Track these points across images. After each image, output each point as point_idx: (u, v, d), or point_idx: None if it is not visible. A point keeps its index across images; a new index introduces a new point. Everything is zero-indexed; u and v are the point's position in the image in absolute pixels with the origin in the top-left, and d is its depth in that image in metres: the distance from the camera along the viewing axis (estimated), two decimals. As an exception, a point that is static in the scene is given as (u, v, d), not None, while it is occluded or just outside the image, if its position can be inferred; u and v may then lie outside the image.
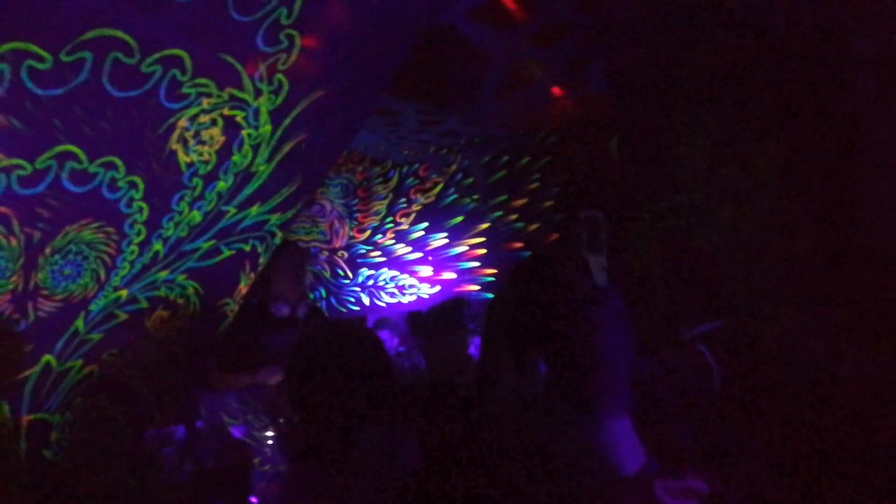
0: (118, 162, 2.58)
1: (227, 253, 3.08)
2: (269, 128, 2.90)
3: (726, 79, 4.02)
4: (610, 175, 5.29)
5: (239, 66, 2.71)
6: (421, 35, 3.23)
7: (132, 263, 2.77)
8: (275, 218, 3.17)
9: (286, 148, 3.00)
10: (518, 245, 6.71)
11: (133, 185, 2.65)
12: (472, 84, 4.43)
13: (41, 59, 2.22)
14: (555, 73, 4.37)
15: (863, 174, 4.28)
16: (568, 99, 5.20)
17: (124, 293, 2.80)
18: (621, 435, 1.16)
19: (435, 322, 6.71)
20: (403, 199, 6.78)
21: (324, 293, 7.30)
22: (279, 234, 3.28)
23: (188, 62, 2.57)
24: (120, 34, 2.37)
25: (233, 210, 2.99)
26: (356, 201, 6.94)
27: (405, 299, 7.10)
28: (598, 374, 1.15)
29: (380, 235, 6.97)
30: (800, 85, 4.00)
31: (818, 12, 4.14)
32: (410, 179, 6.71)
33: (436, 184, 6.66)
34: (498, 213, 6.59)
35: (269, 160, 2.98)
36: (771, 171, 4.32)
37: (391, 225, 6.91)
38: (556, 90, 4.88)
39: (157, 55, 2.48)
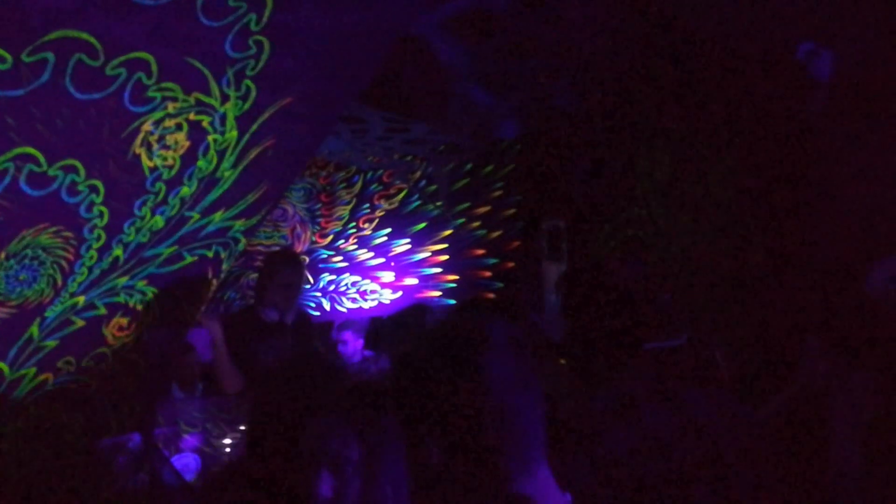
0: (79, 165, 2.52)
1: (189, 259, 3.04)
2: (235, 133, 2.88)
3: (684, 97, 4.15)
4: (571, 185, 5.39)
5: (206, 71, 2.68)
6: (393, 45, 3.25)
7: (91, 269, 2.71)
8: (239, 224, 3.14)
9: (252, 154, 2.98)
10: (480, 252, 6.77)
11: (94, 189, 2.60)
12: (439, 95, 4.47)
13: (2, 60, 2.16)
14: (520, 88, 4.43)
15: (812, 188, 4.47)
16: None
17: (82, 299, 2.74)
18: (540, 488, 1.09)
19: (396, 327, 6.72)
20: (367, 205, 6.77)
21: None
22: (243, 241, 3.25)
23: (154, 66, 2.53)
24: (84, 36, 2.32)
25: (196, 216, 2.95)
26: (319, 206, 6.90)
27: (366, 305, 7.09)
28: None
29: (342, 240, 6.95)
30: (754, 104, 4.15)
31: (773, 34, 4.31)
32: (374, 185, 6.71)
33: (400, 190, 6.67)
34: (461, 220, 6.64)
35: (234, 166, 2.95)
36: (725, 185, 4.47)
37: (354, 230, 6.90)
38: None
39: (122, 58, 2.44)
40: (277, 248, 6.93)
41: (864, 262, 3.92)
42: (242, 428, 4.15)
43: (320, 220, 6.97)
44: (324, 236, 6.98)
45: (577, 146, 5.24)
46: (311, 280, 7.14)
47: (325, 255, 7.02)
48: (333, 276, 7.08)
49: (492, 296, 6.71)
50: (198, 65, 2.65)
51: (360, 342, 6.47)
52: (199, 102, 2.71)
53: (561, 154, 5.62)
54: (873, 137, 4.35)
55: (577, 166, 5.32)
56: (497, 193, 6.60)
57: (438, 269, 6.77)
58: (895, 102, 4.23)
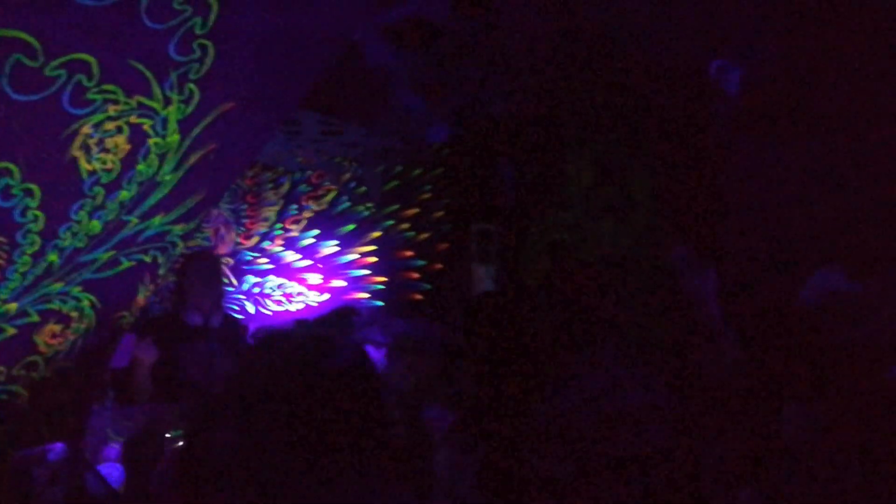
0: (14, 168, 2.43)
1: (126, 264, 2.96)
2: (177, 137, 2.84)
3: (607, 106, 4.41)
4: (501, 189, 5.58)
5: (149, 74, 2.64)
6: (339, 50, 3.29)
7: (24, 275, 2.61)
8: (178, 228, 3.09)
9: (193, 158, 2.95)
10: (409, 253, 6.85)
11: (29, 192, 2.50)
12: (375, 99, 4.53)
13: (-64, 59, 2.06)
14: (453, 93, 4.56)
15: (723, 192, 4.84)
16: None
17: (14, 306, 2.63)
18: None
19: (325, 330, 6.69)
20: (295, 206, 6.71)
21: (207, 300, 7.04)
22: (181, 245, 3.20)
23: (95, 67, 2.47)
24: (23, 35, 2.24)
25: (135, 220, 2.88)
26: (244, 207, 6.77)
27: (292, 307, 7.02)
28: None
29: (268, 242, 6.84)
30: (669, 113, 4.46)
31: (687, 47, 4.64)
32: (303, 186, 6.66)
33: (329, 191, 6.65)
34: (390, 222, 6.70)
35: (175, 170, 2.91)
36: (644, 189, 4.77)
37: (280, 231, 6.81)
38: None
39: (62, 59, 2.37)
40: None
41: (765, 263, 4.30)
42: (168, 436, 4.06)
43: (245, 221, 6.84)
44: (249, 238, 6.86)
45: (505, 151, 5.43)
46: (235, 282, 7.00)
47: (249, 257, 6.89)
48: (258, 279, 6.97)
49: (418, 297, 6.83)
50: (140, 67, 2.60)
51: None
52: (140, 105, 2.66)
53: (489, 158, 5.80)
54: (776, 147, 4.76)
55: (505, 171, 5.51)
56: (426, 196, 6.71)
57: (367, 271, 6.81)
58: (798, 114, 4.64)
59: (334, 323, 6.46)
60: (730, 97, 4.93)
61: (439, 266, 6.73)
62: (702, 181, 4.78)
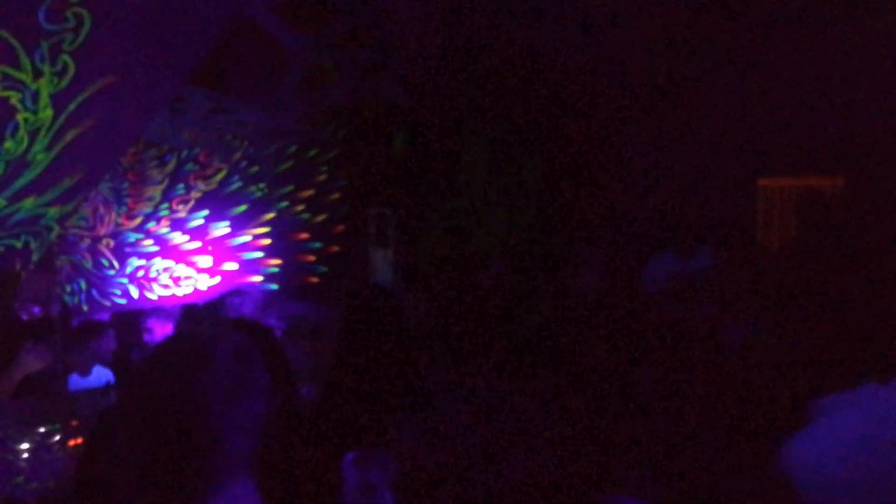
0: None
1: (-8, 249, 2.73)
2: (49, 112, 2.63)
3: (502, 98, 4.50)
4: (396, 173, 5.58)
5: (16, 43, 2.42)
6: (226, 26, 3.15)
7: None
8: (52, 211, 2.88)
9: (69, 135, 2.74)
10: (304, 235, 6.73)
11: None
12: (269, 77, 4.38)
13: None
14: (350, 76, 4.50)
15: (607, 181, 5.09)
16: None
17: None
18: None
19: (213, 315, 6.47)
20: (181, 185, 6.39)
21: (83, 285, 6.60)
22: (56, 229, 2.98)
23: (-48, 33, 2.24)
24: None
25: (3, 202, 2.66)
26: (126, 185, 6.37)
27: (180, 291, 6.71)
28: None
29: (153, 223, 6.49)
30: (559, 107, 4.63)
31: (577, 48, 4.81)
32: (190, 164, 6.35)
33: (218, 170, 6.39)
34: (284, 203, 6.53)
35: (48, 148, 2.70)
36: (536, 179, 4.93)
37: (167, 212, 6.48)
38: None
39: (-88, 22, 2.13)
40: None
41: (640, 251, 4.59)
42: (42, 430, 3.83)
43: (127, 200, 6.44)
44: (131, 218, 6.47)
45: (400, 136, 5.43)
46: (116, 265, 6.60)
47: (133, 239, 6.51)
48: (143, 262, 6.61)
49: (314, 280, 6.73)
50: (6, 35, 2.38)
51: (169, 328, 6.13)
52: (6, 77, 2.44)
53: (387, 141, 5.78)
54: (658, 139, 5.06)
55: (402, 156, 5.52)
56: (322, 177, 6.59)
57: (261, 253, 6.62)
58: (679, 111, 4.95)
59: (206, 318, 6.24)
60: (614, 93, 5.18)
61: (336, 249, 6.66)
62: (588, 170, 5.01)
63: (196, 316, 6.36)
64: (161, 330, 6.21)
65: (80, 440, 4.07)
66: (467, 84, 4.50)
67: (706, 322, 3.05)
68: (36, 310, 3.27)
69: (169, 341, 1.34)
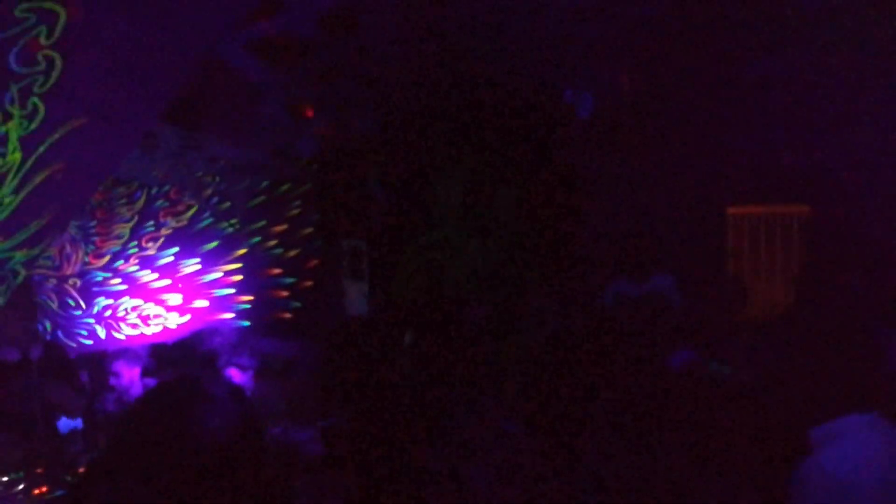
0: None
1: (-45, 295, 2.65)
2: (18, 155, 2.59)
3: (475, 130, 4.56)
4: (371, 206, 5.58)
5: (-16, 86, 2.39)
6: (196, 63, 3.15)
7: None
8: (19, 255, 2.81)
9: (38, 178, 2.70)
10: (277, 271, 6.66)
11: None
12: (240, 113, 4.38)
13: None
14: (325, 112, 4.52)
15: (578, 208, 5.16)
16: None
17: None
18: None
19: (185, 353, 6.34)
20: (151, 222, 6.30)
21: (48, 326, 6.43)
22: (23, 273, 2.91)
23: (-82, 78, 2.20)
24: None
25: (-32, 247, 2.59)
26: (94, 223, 6.26)
27: (149, 330, 6.58)
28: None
29: (122, 261, 6.37)
30: (530, 139, 4.71)
31: (544, 80, 4.92)
32: (160, 201, 6.27)
33: (189, 207, 6.32)
34: (256, 239, 6.48)
35: (16, 191, 2.64)
36: (509, 209, 4.98)
37: (136, 250, 6.37)
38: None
39: None
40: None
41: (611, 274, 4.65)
42: (5, 479, 3.71)
43: (95, 238, 6.32)
44: (99, 256, 6.35)
45: (374, 170, 5.45)
46: (84, 305, 6.45)
47: (100, 278, 6.38)
48: (110, 301, 6.47)
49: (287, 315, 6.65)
50: (-26, 79, 2.35)
51: (137, 371, 5.99)
52: (-26, 120, 2.40)
53: (358, 176, 5.79)
54: (624, 167, 5.16)
55: (376, 188, 5.53)
56: (295, 212, 6.56)
57: (232, 290, 6.54)
58: (639, 136, 5.07)
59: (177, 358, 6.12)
60: (582, 120, 5.29)
61: (309, 283, 6.60)
62: (560, 198, 5.08)
63: (166, 356, 6.25)
64: (129, 373, 6.07)
65: (44, 489, 3.93)
66: (441, 116, 4.55)
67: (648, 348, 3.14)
68: (14, 354, 3.19)
69: (164, 385, 1.34)
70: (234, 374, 6.00)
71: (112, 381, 6.01)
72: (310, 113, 5.13)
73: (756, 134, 4.62)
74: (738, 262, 5.18)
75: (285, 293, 6.61)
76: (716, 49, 4.68)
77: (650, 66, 4.96)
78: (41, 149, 2.62)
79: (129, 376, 5.99)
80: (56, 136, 2.66)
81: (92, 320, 6.51)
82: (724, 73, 4.61)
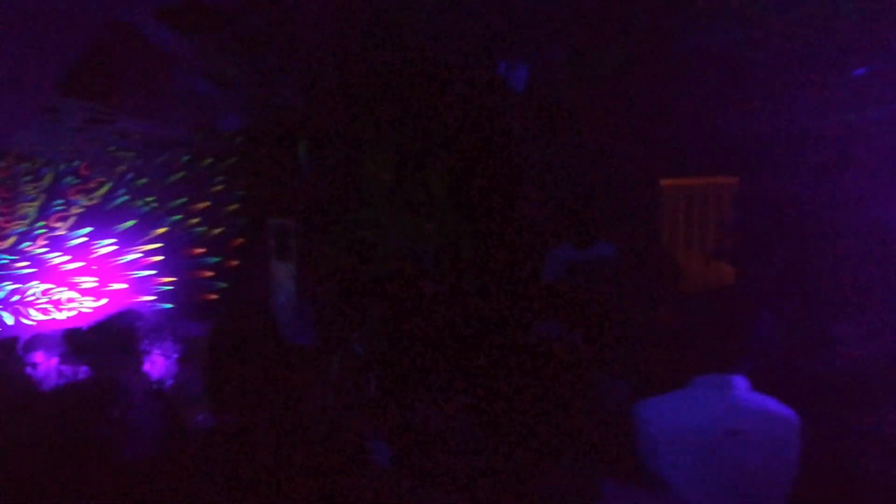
0: None
1: None
2: None
3: (407, 106, 4.41)
4: (299, 182, 5.36)
5: None
6: (97, 31, 2.88)
7: None
8: None
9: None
10: (200, 250, 6.35)
11: None
12: (154, 85, 4.08)
13: None
14: (246, 81, 4.27)
15: (513, 189, 5.11)
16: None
17: None
18: None
19: (103, 339, 6.00)
20: (60, 201, 5.90)
21: (-52, 313, 5.96)
22: None
23: None
24: None
25: None
26: (-6, 203, 5.82)
27: (62, 315, 6.20)
28: None
29: (28, 243, 5.95)
30: (466, 117, 4.60)
31: (477, 52, 4.80)
32: (69, 178, 5.87)
33: (101, 184, 5.94)
34: (177, 217, 6.15)
35: None
36: (443, 185, 4.88)
37: (43, 230, 5.96)
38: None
39: None
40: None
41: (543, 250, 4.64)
42: None
43: (-3, 219, 5.88)
44: (2, 238, 5.91)
45: (301, 145, 5.23)
46: (-13, 290, 6.01)
47: (5, 261, 5.95)
48: (17, 285, 6.05)
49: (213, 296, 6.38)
50: None
51: (55, 361, 5.65)
52: None
53: (285, 151, 5.55)
54: (558, 141, 5.14)
55: (303, 164, 5.32)
56: (218, 188, 6.25)
57: (152, 271, 6.22)
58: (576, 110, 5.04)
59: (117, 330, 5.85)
60: (516, 93, 5.23)
61: (235, 263, 6.33)
62: (495, 178, 5.01)
63: (82, 342, 5.90)
64: (45, 363, 5.74)
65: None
66: (370, 89, 4.38)
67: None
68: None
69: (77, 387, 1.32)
70: (157, 360, 5.73)
71: (28, 370, 5.65)
72: (232, 84, 4.86)
73: (690, 106, 4.65)
74: (672, 234, 5.26)
75: (210, 273, 6.32)
76: (651, 21, 4.67)
77: (585, 38, 4.92)
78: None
79: (47, 367, 5.65)
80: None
81: (-2, 306, 6.09)
82: (659, 46, 4.61)
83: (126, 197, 5.98)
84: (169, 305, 6.33)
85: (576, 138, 5.11)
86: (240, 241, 6.40)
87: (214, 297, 6.47)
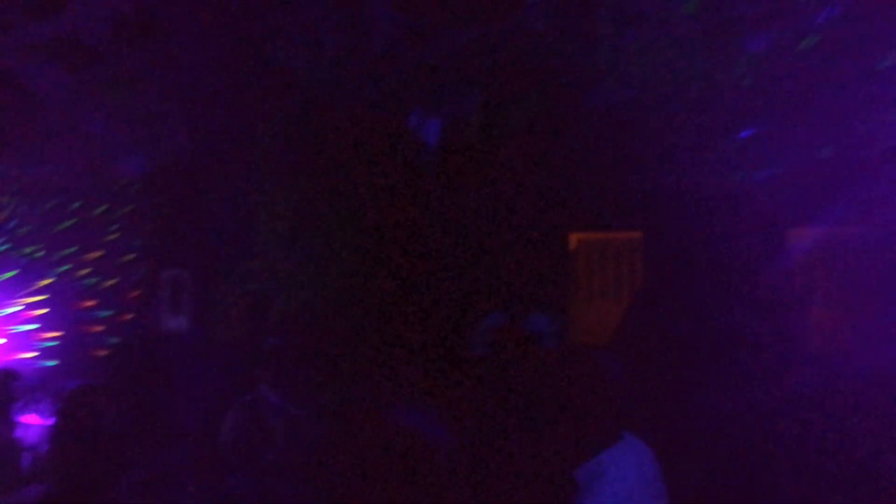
0: None
1: None
2: None
3: (302, 152, 4.26)
4: (195, 233, 5.09)
5: None
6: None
7: None
8: None
9: None
10: (91, 303, 5.92)
11: None
12: (26, 126, 3.80)
13: None
14: (126, 125, 4.04)
15: (428, 236, 4.99)
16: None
17: None
18: None
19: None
20: (-69, 249, 5.43)
21: None
22: None
23: None
24: None
25: None
26: None
27: (-68, 372, 5.62)
28: None
29: None
30: (366, 165, 4.48)
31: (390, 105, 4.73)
32: (-59, 225, 5.42)
33: (-22, 231, 5.51)
34: (65, 267, 5.74)
35: None
36: (346, 236, 4.70)
37: (-89, 280, 5.46)
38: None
39: None
40: None
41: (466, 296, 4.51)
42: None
43: None
44: None
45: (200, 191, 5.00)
46: None
47: None
48: None
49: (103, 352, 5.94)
50: None
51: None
52: None
53: (185, 197, 5.29)
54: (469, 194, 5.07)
55: (203, 213, 5.07)
56: (113, 237, 5.89)
57: (35, 325, 5.76)
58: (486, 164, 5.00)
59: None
60: (429, 146, 5.16)
61: (129, 317, 5.93)
62: (409, 224, 4.89)
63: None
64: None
65: None
66: (263, 136, 4.21)
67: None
68: None
69: None
70: (32, 422, 5.23)
71: None
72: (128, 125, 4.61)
73: (597, 161, 4.67)
74: (579, 288, 5.22)
75: (100, 328, 5.89)
76: (558, 78, 4.72)
77: (497, 91, 4.92)
78: None
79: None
80: None
81: None
82: (568, 101, 4.65)
83: (8, 245, 5.55)
84: (53, 362, 5.84)
85: (487, 191, 5.06)
86: (136, 293, 6.02)
87: (104, 352, 6.02)
